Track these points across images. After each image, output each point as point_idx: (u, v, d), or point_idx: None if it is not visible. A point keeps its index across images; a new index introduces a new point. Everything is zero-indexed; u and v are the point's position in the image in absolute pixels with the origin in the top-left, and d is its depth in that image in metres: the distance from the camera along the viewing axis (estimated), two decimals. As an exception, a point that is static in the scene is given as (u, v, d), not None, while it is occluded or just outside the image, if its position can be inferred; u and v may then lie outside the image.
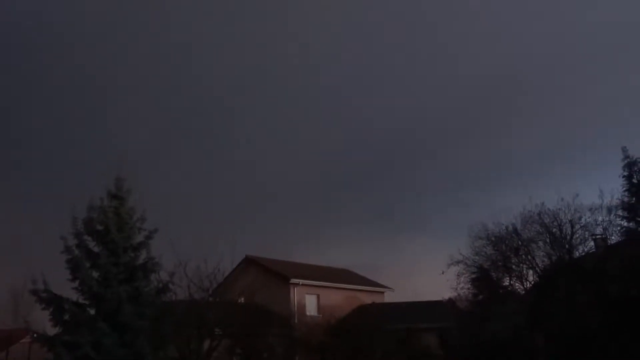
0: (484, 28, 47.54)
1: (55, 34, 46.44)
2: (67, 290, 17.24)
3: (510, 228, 22.19)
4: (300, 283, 31.28)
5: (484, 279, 22.35)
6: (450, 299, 24.75)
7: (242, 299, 26.03)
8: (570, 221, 21.01)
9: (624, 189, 19.69)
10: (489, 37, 48.63)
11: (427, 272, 38.27)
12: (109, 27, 46.90)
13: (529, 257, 21.90)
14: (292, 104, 52.00)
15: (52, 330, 17.40)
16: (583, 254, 21.19)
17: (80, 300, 17.26)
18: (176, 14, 47.10)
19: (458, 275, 22.64)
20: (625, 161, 19.60)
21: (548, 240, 21.43)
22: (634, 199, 19.46)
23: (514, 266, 22.34)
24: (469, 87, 48.66)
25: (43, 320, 18.35)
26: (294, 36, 48.05)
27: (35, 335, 18.14)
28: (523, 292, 22.12)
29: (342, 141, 52.12)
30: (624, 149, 19.64)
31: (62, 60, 48.16)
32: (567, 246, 21.08)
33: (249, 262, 32.06)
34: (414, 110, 50.81)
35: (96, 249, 17.75)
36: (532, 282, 21.99)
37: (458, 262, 22.67)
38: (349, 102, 51.18)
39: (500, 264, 22.40)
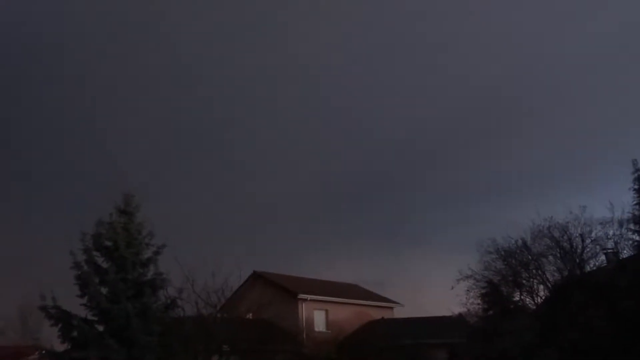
0: (488, 41, 47.62)
1: (59, 50, 47.05)
2: (76, 306, 17.31)
3: (520, 242, 22.02)
4: (309, 298, 31.12)
5: (493, 294, 22.13)
6: (459, 315, 24.53)
7: (250, 314, 25.93)
8: (581, 235, 20.82)
9: (635, 202, 19.48)
10: (492, 50, 48.66)
11: (436, 288, 37.82)
12: (111, 41, 47.51)
13: (540, 271, 21.69)
14: (297, 119, 52.20)
15: (60, 347, 17.44)
16: (594, 268, 20.95)
17: (89, 317, 17.31)
18: (176, 29, 47.44)
19: (467, 291, 22.45)
20: (636, 174, 19.42)
21: (558, 254, 21.22)
22: (645, 212, 19.26)
23: (524, 281, 22.12)
24: (472, 101, 48.57)
25: (52, 337, 18.41)
26: (294, 50, 48.33)
27: (44, 351, 18.20)
28: (534, 307, 21.87)
29: (347, 156, 52.19)
30: (635, 162, 19.45)
31: (67, 77, 48.67)
32: (577, 260, 20.86)
33: (257, 278, 31.97)
34: (418, 126, 50.85)
35: (105, 265, 17.83)
36: (543, 297, 21.75)
37: (467, 277, 22.49)
38: (354, 117, 51.26)
39: (510, 278, 22.18)
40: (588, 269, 20.93)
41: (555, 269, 21.42)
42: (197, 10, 47.08)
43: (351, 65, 50.64)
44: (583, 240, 20.80)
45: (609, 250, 20.77)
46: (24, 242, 45.17)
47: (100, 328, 17.19)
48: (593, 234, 20.73)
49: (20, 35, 46.09)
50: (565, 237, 21.06)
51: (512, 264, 22.15)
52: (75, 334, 16.95)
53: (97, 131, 49.07)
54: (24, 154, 49.54)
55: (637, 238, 19.61)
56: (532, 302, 22.02)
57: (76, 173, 49.30)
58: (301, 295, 30.83)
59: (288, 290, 31.37)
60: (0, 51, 46.33)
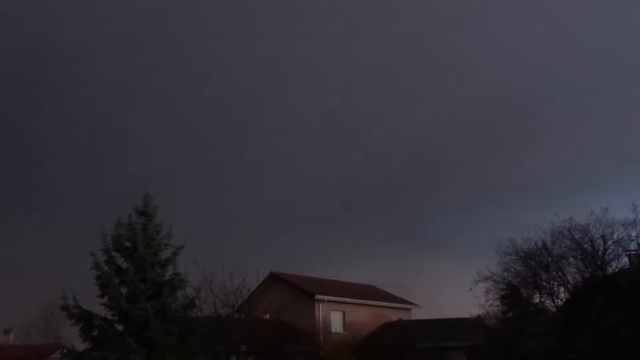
0: (506, 45, 47.31)
1: (77, 64, 48.06)
2: (96, 306, 17.54)
3: (540, 244, 21.71)
4: (326, 299, 31.06)
5: (513, 296, 21.84)
6: (478, 317, 24.22)
7: (268, 315, 25.98)
8: (602, 236, 20.43)
9: (659, 203, 19.10)
10: (511, 55, 48.40)
11: (453, 290, 37.56)
12: (130, 53, 48.40)
13: (560, 273, 21.34)
14: (314, 123, 52.39)
15: (81, 346, 17.67)
16: (617, 270, 20.57)
17: (109, 316, 17.50)
18: (194, 41, 48.17)
19: (486, 292, 22.17)
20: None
21: (579, 256, 20.87)
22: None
23: (544, 283, 21.79)
24: (490, 106, 48.32)
25: (73, 337, 18.66)
26: (313, 55, 48.51)
27: (65, 350, 18.43)
28: (554, 309, 21.53)
29: (366, 158, 52.20)
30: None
31: (88, 86, 49.67)
32: (599, 262, 20.48)
33: (274, 279, 32.02)
34: (435, 130, 50.65)
35: (124, 265, 18.03)
36: (564, 300, 21.40)
37: (486, 279, 22.24)
38: (371, 121, 51.28)
39: (530, 280, 21.87)
40: (610, 271, 20.54)
41: (576, 270, 21.08)
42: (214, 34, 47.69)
43: (372, 79, 50.94)
44: (605, 242, 20.42)
45: (631, 252, 20.41)
46: (46, 243, 46.10)
47: (120, 328, 17.37)
48: (615, 236, 20.38)
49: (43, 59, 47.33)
50: (587, 238, 20.72)
51: (532, 266, 21.83)
52: (95, 333, 17.15)
53: (118, 135, 50.02)
54: (45, 159, 50.65)
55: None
56: (553, 305, 21.68)
57: (97, 176, 50.20)
58: (318, 296, 30.80)
59: (305, 291, 31.35)
60: (28, 66, 47.59)
